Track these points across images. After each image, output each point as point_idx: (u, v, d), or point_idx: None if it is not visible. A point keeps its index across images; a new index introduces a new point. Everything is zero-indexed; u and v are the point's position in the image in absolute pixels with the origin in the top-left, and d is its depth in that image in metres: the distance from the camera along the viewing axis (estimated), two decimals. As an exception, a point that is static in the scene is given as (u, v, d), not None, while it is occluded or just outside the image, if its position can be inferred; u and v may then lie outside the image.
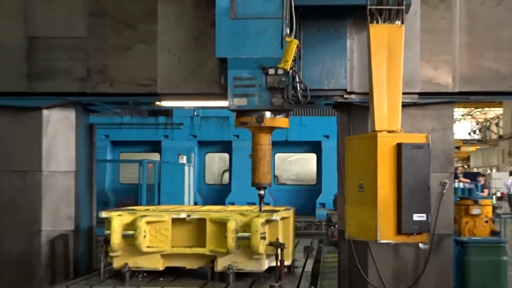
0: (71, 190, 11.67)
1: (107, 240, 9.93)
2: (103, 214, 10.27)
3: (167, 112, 19.06)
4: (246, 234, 9.64)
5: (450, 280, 10.86)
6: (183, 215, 10.26)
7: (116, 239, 9.85)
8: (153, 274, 10.12)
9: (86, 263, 11.92)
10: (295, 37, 9.49)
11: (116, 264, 9.97)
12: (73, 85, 11.09)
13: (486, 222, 11.92)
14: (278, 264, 9.82)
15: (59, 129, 11.49)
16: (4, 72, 11.07)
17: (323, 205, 20.10)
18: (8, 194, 11.13)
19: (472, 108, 49.42)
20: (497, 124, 51.72)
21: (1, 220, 11.05)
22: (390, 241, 8.82)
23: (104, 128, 18.95)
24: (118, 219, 9.97)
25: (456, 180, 13.76)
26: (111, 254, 9.99)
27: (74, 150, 11.68)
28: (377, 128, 9.00)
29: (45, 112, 11.29)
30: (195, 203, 19.57)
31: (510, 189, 28.92)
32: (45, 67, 11.09)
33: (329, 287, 11.52)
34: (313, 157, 21.19)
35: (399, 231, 8.62)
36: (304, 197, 20.44)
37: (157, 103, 12.12)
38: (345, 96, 10.83)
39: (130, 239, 9.86)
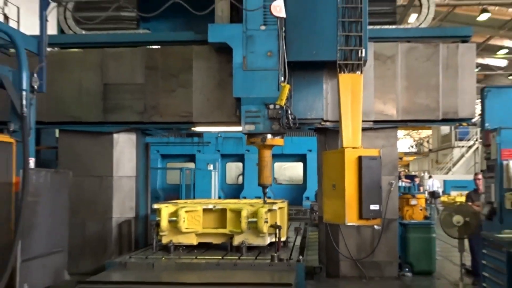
0: (133, 189, 11.74)
1: (158, 224, 9.97)
2: (155, 206, 10.30)
3: (199, 134, 19.06)
4: (254, 219, 9.65)
5: (396, 251, 10.84)
6: (210, 206, 10.30)
7: (164, 223, 9.88)
8: (189, 248, 10.11)
9: (143, 240, 11.91)
10: (287, 83, 9.57)
11: (164, 240, 9.99)
12: (135, 116, 11.14)
13: (421, 210, 11.89)
14: (277, 240, 9.87)
15: (124, 147, 11.56)
16: (87, 108, 11.12)
17: (307, 198, 19.97)
18: (88, 192, 11.16)
19: (410, 130, 49.37)
20: (427, 142, 51.61)
21: (84, 210, 11.05)
22: (354, 224, 8.79)
23: (156, 145, 18.90)
24: (166, 209, 10.00)
25: (400, 181, 13.68)
26: (160, 233, 10.01)
27: (135, 161, 11.75)
28: (344, 145, 8.99)
29: (115, 136, 11.36)
30: (219, 197, 19.51)
31: (431, 187, 28.95)
32: (115, 104, 11.13)
33: (312, 256, 11.46)
34: (300, 165, 21.08)
35: (360, 216, 8.59)
36: (295, 193, 20.31)
37: (193, 128, 12.15)
38: (322, 123, 10.83)
39: (173, 223, 9.88)
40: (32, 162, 8.81)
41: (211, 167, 19.99)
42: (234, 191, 20.61)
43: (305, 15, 10.07)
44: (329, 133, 11.07)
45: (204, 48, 10.81)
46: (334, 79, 10.08)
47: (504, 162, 8.70)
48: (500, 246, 6.71)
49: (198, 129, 12.52)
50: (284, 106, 9.46)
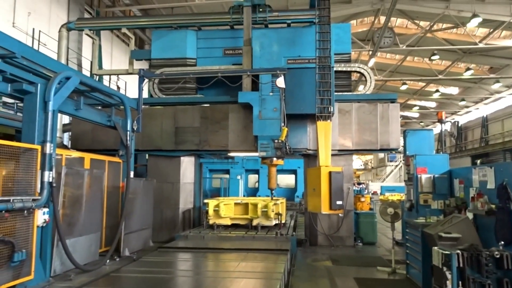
0: (192, 190, 11.61)
1: (207, 212, 10.00)
2: (205, 200, 10.35)
3: (232, 157, 18.92)
4: (265, 209, 9.62)
5: (352, 229, 10.58)
6: (238, 201, 10.30)
7: (211, 211, 9.86)
8: (226, 226, 10.06)
9: (198, 221, 11.78)
10: (286, 127, 9.57)
11: (210, 222, 9.99)
12: (194, 146, 11.09)
13: (368, 204, 11.68)
14: (279, 222, 9.76)
15: (187, 165, 11.48)
16: (165, 141, 11.10)
17: (297, 196, 19.71)
18: (165, 192, 11.07)
19: (360, 155, 49.01)
20: (370, 162, 51.14)
21: (163, 203, 10.97)
22: (327, 212, 8.65)
23: (206, 164, 18.82)
24: (212, 203, 9.99)
25: (354, 186, 13.47)
26: (208, 217, 10.01)
27: (193, 173, 11.65)
28: (321, 164, 8.90)
29: (182, 158, 11.30)
30: (244, 196, 19.37)
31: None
32: (182, 139, 11.12)
33: (300, 232, 11.29)
34: (293, 176, 20.81)
35: (330, 208, 8.45)
36: (290, 193, 20.09)
37: (228, 153, 12.12)
38: (306, 151, 10.74)
39: (216, 211, 9.86)
40: (132, 174, 8.85)
41: (239, 177, 19.88)
42: (253, 192, 20.42)
43: (297, 86, 10.12)
44: (310, 157, 10.95)
45: (235, 106, 10.83)
46: (313, 124, 10.05)
47: (418, 176, 8.58)
48: (416, 227, 6.57)
49: (231, 154, 12.50)
50: (284, 141, 9.44)
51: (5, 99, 12.10)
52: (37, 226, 6.05)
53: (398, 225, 8.94)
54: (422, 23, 20.01)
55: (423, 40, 21.12)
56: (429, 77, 25.34)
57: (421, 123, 41.06)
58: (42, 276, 6.17)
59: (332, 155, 9.51)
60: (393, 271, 7.43)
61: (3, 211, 5.29)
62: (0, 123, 10.32)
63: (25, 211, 5.75)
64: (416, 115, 40.32)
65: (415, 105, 36.31)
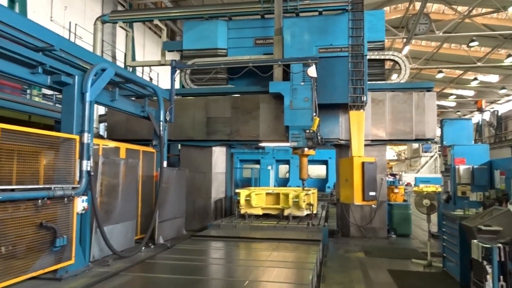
0: (223, 180, 11.75)
1: (238, 201, 10.05)
2: (237, 190, 10.39)
3: (263, 147, 18.90)
4: (297, 199, 9.59)
5: (385, 221, 10.40)
6: (270, 191, 10.31)
7: (242, 201, 9.92)
8: (257, 216, 10.11)
9: (229, 211, 11.91)
10: (318, 116, 9.44)
11: (242, 211, 10.05)
12: (225, 137, 11.17)
13: (401, 195, 11.43)
14: (311, 212, 9.71)
15: (219, 155, 11.59)
16: (197, 131, 11.23)
17: (328, 187, 19.51)
18: (198, 182, 11.23)
19: (393, 146, 47.90)
20: (404, 153, 49.91)
21: (195, 192, 11.15)
22: (359, 203, 8.54)
23: (237, 154, 18.87)
24: (243, 192, 10.05)
25: (387, 177, 13.20)
26: (240, 207, 10.07)
27: (224, 163, 11.77)
28: (353, 155, 8.77)
29: (213, 148, 11.40)
30: (274, 186, 19.38)
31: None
32: (213, 129, 11.22)
33: (332, 223, 11.20)
34: (324, 166, 20.58)
35: (363, 199, 8.34)
36: (321, 183, 19.88)
37: (259, 144, 12.11)
38: (338, 141, 10.60)
39: (248, 201, 9.91)
40: (165, 163, 9.01)
41: (269, 167, 19.87)
42: (283, 182, 20.36)
43: (329, 76, 9.94)
44: (342, 147, 10.79)
45: (266, 96, 10.79)
46: (345, 114, 9.88)
47: (456, 167, 8.32)
48: (454, 219, 6.38)
49: (262, 144, 12.50)
50: (315, 131, 9.34)
51: (44, 90, 12.57)
52: (77, 213, 6.27)
53: (434, 217, 8.69)
54: (460, 8, 19.17)
55: (461, 26, 20.23)
56: (467, 65, 24.29)
57: (457, 113, 39.62)
58: (82, 261, 6.42)
59: (365, 145, 9.31)
60: (429, 264, 7.25)
61: (45, 198, 5.51)
62: (40, 114, 10.72)
63: (65, 199, 5.97)
64: (453, 104, 38.91)
65: (451, 94, 35.03)
